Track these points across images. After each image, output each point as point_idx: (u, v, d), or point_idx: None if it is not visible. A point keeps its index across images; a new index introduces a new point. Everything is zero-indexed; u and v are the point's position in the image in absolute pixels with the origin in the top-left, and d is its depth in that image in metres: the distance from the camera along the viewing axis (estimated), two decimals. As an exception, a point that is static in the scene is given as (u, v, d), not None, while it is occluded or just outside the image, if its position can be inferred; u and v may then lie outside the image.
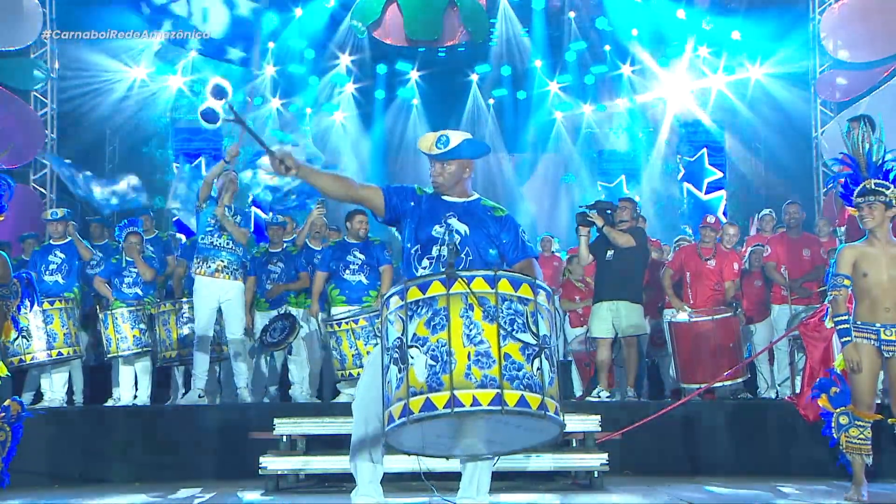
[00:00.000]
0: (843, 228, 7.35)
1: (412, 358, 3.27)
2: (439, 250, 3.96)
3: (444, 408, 3.17)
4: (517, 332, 3.29)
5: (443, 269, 3.49)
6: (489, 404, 3.17)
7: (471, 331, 3.25)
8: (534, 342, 3.31)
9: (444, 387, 3.18)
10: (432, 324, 3.29)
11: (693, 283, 8.03)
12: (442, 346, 3.24)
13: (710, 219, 8.53)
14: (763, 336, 8.29)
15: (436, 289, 3.34)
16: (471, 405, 3.16)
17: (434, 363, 3.23)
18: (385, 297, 3.52)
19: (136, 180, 9.50)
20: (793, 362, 7.85)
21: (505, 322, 3.28)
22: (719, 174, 14.20)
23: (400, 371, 3.30)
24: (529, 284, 3.42)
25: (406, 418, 3.23)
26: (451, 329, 3.25)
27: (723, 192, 14.07)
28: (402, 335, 3.34)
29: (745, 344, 8.13)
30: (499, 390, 3.18)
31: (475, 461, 3.97)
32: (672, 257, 8.52)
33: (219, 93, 3.90)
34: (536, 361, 3.29)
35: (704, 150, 14.23)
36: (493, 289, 3.33)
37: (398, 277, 4.24)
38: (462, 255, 3.96)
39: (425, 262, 3.97)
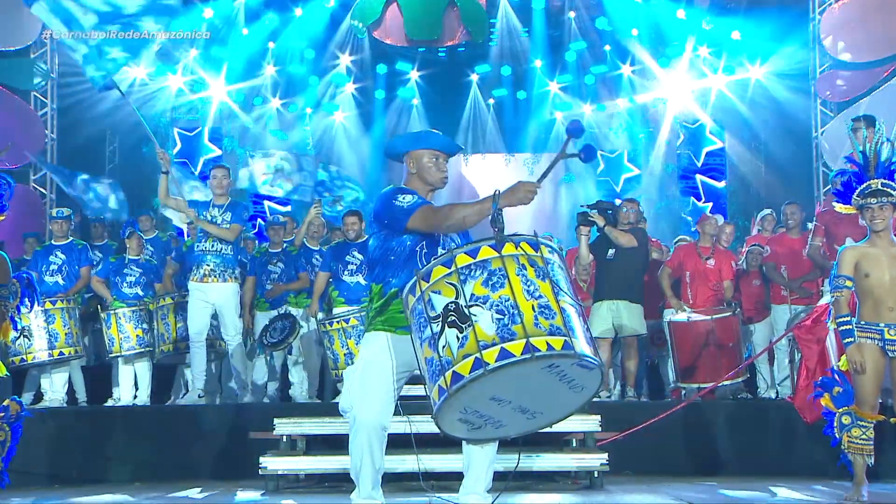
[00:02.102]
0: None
1: (475, 316, 3.36)
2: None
3: (522, 354, 3.26)
4: (565, 289, 3.48)
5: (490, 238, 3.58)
6: (562, 349, 3.31)
7: (529, 287, 3.42)
8: (576, 301, 3.53)
9: (517, 336, 3.30)
10: (490, 283, 3.42)
11: (693, 283, 8.02)
12: (506, 301, 3.37)
13: (709, 217, 8.53)
14: (762, 336, 8.30)
15: (486, 252, 3.48)
16: (547, 350, 3.29)
17: (501, 316, 3.35)
18: (420, 272, 3.56)
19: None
20: (792, 361, 7.85)
21: (555, 280, 3.47)
22: (719, 143, 14.13)
23: (462, 331, 3.37)
24: (559, 254, 3.65)
25: (482, 370, 3.29)
26: (511, 286, 3.39)
27: (710, 204, 14.02)
28: (455, 299, 3.43)
29: (745, 344, 8.13)
30: (566, 337, 3.33)
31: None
32: (671, 256, 8.51)
33: (577, 131, 3.94)
34: (581, 319, 3.50)
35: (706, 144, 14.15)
36: (537, 252, 3.53)
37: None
38: None
39: (445, 248, 3.98)
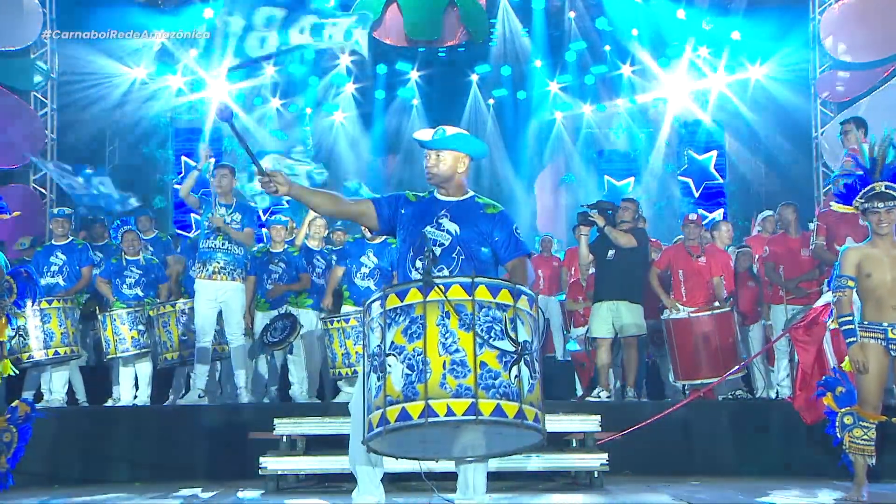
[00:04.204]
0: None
1: (390, 367, 3.27)
2: (432, 251, 3.93)
3: (418, 418, 3.17)
4: (494, 339, 3.27)
5: (420, 277, 3.47)
6: (463, 414, 3.17)
7: (447, 339, 3.25)
8: (512, 349, 3.28)
9: (419, 396, 3.19)
10: (409, 332, 3.29)
11: (686, 282, 8.00)
12: (418, 356, 3.24)
13: (692, 216, 8.51)
14: (757, 337, 8.31)
15: (413, 296, 3.33)
16: (445, 415, 3.16)
17: (410, 372, 3.23)
18: (366, 303, 3.50)
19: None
20: (792, 360, 7.84)
21: (482, 330, 3.26)
22: (720, 179, 14.21)
23: (378, 379, 3.31)
24: (509, 290, 3.39)
25: (382, 428, 3.24)
26: (427, 338, 3.25)
27: (721, 211, 14.01)
28: (381, 343, 3.34)
29: (742, 343, 8.15)
30: (473, 399, 3.17)
31: (464, 463, 3.96)
32: (659, 256, 8.47)
33: (225, 114, 3.95)
34: (515, 369, 3.27)
35: (714, 153, 14.20)
36: (470, 296, 3.30)
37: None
38: (454, 255, 3.93)
39: (418, 264, 3.92)
